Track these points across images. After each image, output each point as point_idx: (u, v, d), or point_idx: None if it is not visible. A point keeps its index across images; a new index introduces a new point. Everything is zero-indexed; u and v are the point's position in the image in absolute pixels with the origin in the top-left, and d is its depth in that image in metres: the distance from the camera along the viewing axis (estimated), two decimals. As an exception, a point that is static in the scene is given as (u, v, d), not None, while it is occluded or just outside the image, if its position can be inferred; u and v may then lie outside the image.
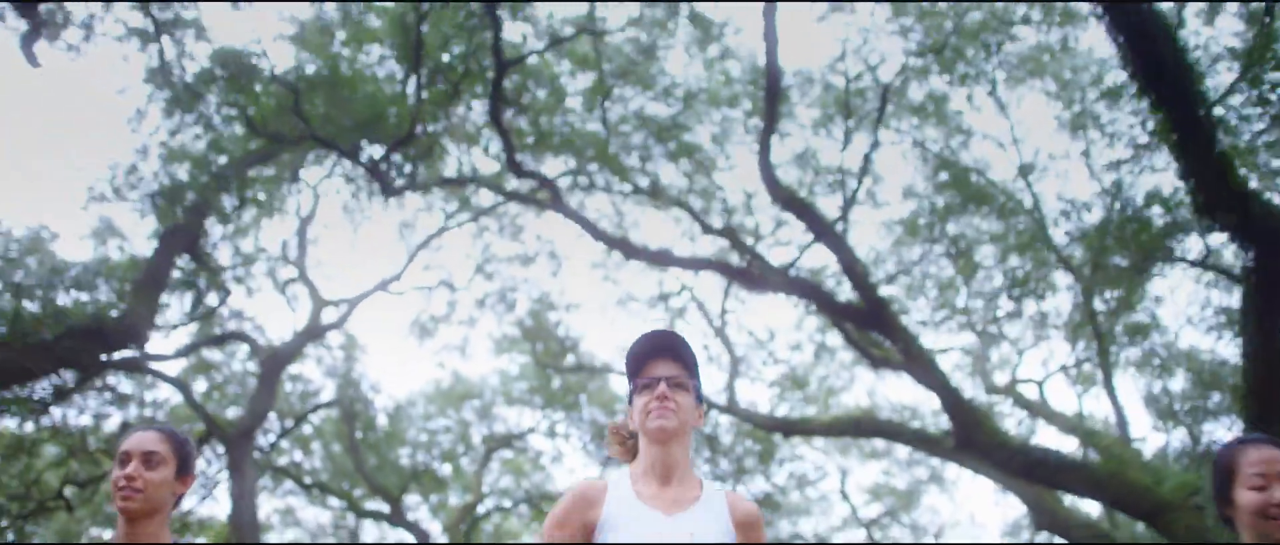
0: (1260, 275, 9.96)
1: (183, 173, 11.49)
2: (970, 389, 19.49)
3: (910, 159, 16.22)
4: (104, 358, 10.41)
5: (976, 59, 12.70)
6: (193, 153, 11.50)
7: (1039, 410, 19.97)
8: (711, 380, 19.56)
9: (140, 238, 11.70)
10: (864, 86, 14.15)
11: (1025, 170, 14.84)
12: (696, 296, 18.64)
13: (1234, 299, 12.49)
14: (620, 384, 22.30)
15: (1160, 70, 8.57)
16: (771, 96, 12.35)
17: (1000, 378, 21.28)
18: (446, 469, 22.37)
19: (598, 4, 11.05)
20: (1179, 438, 17.76)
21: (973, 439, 13.33)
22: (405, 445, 21.90)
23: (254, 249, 14.32)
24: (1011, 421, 20.24)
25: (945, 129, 14.36)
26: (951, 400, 13.26)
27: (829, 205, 14.00)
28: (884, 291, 15.65)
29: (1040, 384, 20.97)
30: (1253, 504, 2.75)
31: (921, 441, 16.05)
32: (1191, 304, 13.23)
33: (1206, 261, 11.97)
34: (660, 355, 2.74)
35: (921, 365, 13.51)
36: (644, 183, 13.79)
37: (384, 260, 38.28)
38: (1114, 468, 12.63)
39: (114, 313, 10.25)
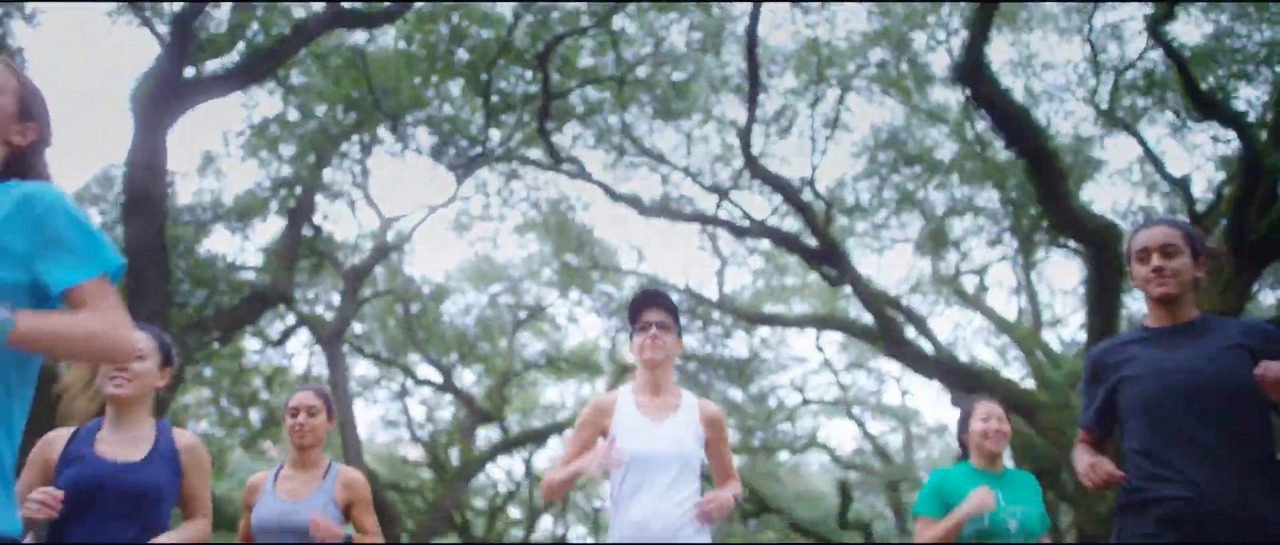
0: (1096, 259, 14.04)
1: (289, 150, 15.18)
2: (921, 273, 23.70)
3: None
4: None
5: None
6: (298, 134, 15.12)
7: (975, 303, 24.24)
8: (707, 267, 23.63)
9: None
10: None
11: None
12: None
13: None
14: (626, 260, 26.28)
15: (1022, 141, 12.23)
16: (753, 86, 15.84)
17: (950, 262, 25.05)
18: (483, 342, 26.72)
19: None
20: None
21: (900, 349, 17.61)
22: (447, 321, 26.21)
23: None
24: (951, 314, 24.23)
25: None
26: (883, 320, 17.44)
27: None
28: (849, 206, 19.60)
29: (980, 273, 25.20)
30: (1138, 275, 3.01)
31: (869, 339, 20.33)
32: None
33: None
34: (651, 306, 3.56)
35: (862, 290, 17.63)
36: (651, 147, 17.46)
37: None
38: (997, 379, 17.02)
39: (268, 279, 14.31)
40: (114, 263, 1.97)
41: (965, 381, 17.60)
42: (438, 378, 25.46)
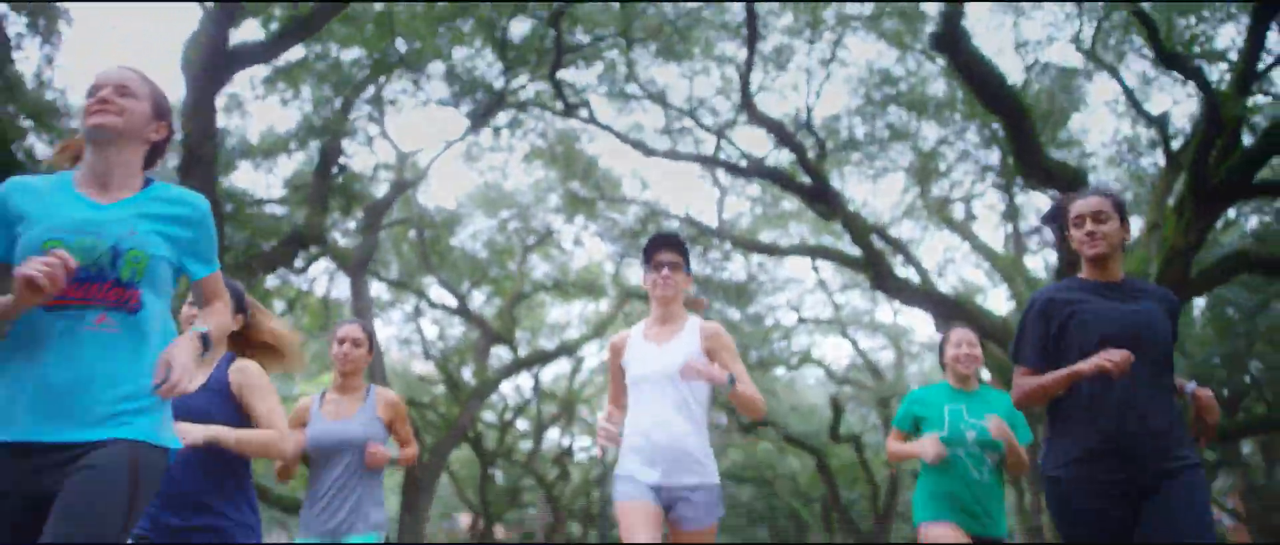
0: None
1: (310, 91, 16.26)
2: (912, 200, 24.89)
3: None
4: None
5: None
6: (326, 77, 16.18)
7: (961, 230, 25.52)
8: (707, 195, 24.82)
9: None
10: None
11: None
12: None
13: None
14: (630, 188, 27.43)
15: (997, 102, 13.34)
16: (752, 35, 16.84)
17: (944, 186, 26.14)
18: (493, 266, 28.07)
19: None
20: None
21: (887, 283, 18.96)
22: (459, 247, 27.51)
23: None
24: (941, 237, 25.36)
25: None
26: (871, 254, 18.75)
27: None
28: (842, 141, 20.71)
29: (968, 201, 26.40)
30: (1075, 238, 3.37)
31: (860, 268, 21.66)
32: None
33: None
34: (664, 248, 3.93)
35: (853, 226, 18.89)
36: (655, 87, 18.54)
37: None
38: (975, 309, 18.42)
39: (303, 220, 15.57)
40: (215, 263, 2.66)
41: (945, 311, 19.05)
42: (452, 302, 26.87)
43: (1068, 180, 14.84)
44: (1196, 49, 16.13)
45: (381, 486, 4.47)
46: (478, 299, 29.28)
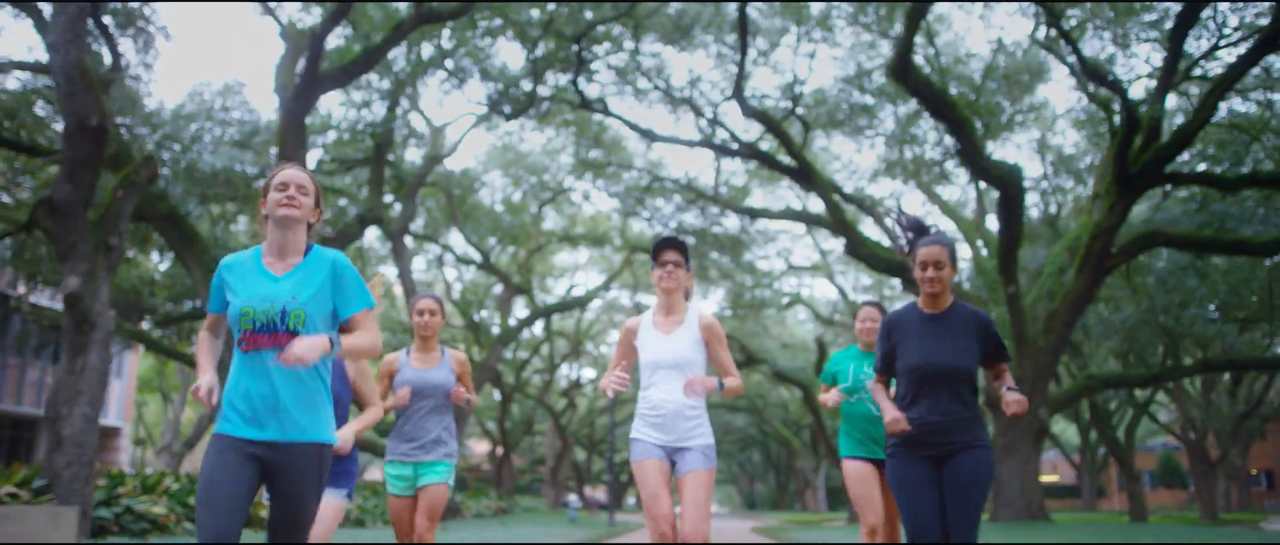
0: (1002, 197, 18.32)
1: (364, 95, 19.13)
2: (888, 161, 27.75)
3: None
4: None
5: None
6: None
7: (930, 193, 28.52)
8: (705, 156, 27.73)
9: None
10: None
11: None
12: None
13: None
14: (635, 145, 30.21)
15: (943, 115, 16.26)
16: (743, 41, 19.64)
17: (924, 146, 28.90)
18: (511, 218, 31.03)
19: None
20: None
21: (858, 250, 22.04)
22: (481, 203, 30.46)
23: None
24: (914, 197, 28.12)
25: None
26: (844, 227, 21.80)
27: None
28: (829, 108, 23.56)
29: (940, 165, 29.27)
30: (919, 277, 4.17)
31: (835, 231, 24.71)
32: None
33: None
34: (668, 249, 4.53)
35: (830, 203, 21.92)
36: (662, 86, 21.37)
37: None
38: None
39: (367, 205, 18.50)
40: (371, 301, 3.39)
41: (907, 275, 22.17)
42: (476, 256, 29.97)
43: (1003, 174, 17.88)
44: (1117, 62, 18.96)
45: (453, 424, 5.32)
46: (496, 253, 32.31)
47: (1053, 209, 31.29)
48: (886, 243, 23.75)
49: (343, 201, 19.59)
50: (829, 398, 5.49)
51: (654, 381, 4.46)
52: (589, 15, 18.11)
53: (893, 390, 4.47)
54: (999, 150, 28.60)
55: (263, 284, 3.21)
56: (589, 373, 49.82)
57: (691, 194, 27.04)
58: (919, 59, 21.71)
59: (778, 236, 36.05)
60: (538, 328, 37.11)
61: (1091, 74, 17.67)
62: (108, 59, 14.16)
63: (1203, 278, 20.91)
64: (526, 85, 18.86)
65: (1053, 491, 67.70)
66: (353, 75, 15.84)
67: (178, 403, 38.48)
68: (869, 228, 28.11)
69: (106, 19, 14.32)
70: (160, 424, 46.27)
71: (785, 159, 22.06)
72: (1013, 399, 4.09)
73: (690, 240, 30.77)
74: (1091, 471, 51.83)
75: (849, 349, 5.60)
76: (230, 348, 3.31)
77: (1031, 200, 32.15)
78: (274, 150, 16.10)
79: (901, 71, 15.30)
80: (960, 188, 30.61)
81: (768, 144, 22.76)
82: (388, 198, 24.41)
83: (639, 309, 40.47)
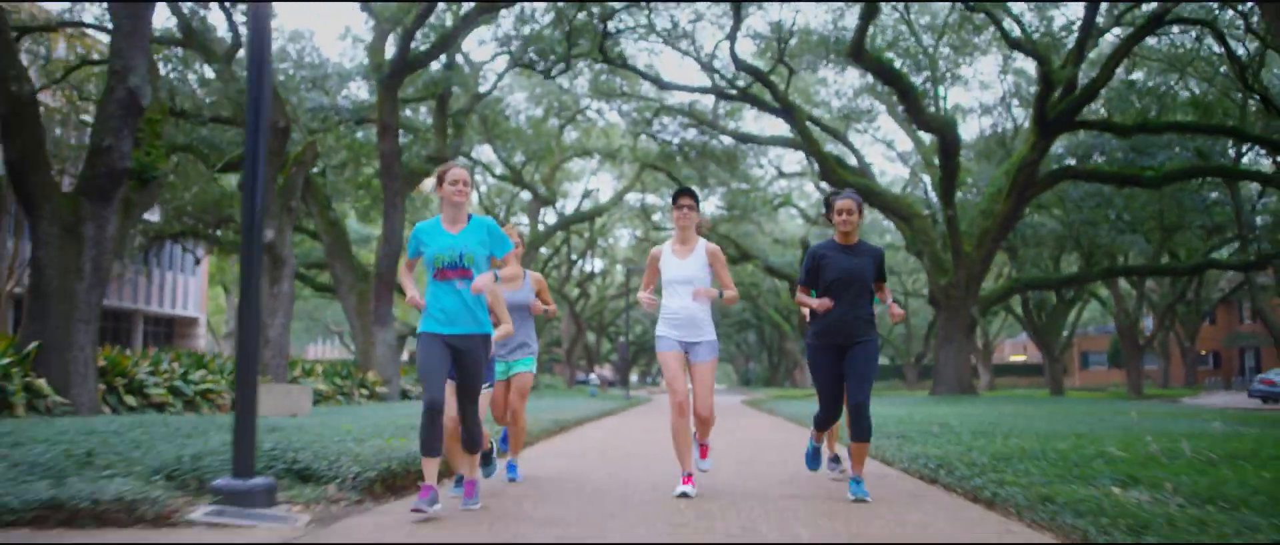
0: (941, 142, 23.11)
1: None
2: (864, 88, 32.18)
3: None
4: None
5: None
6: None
7: (898, 119, 33.02)
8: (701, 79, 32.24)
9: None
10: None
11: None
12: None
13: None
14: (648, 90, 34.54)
15: (892, 84, 20.82)
16: (736, 18, 23.99)
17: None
18: (535, 140, 35.59)
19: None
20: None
21: (832, 177, 26.83)
22: (514, 127, 34.92)
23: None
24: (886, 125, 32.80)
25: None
26: (820, 157, 26.52)
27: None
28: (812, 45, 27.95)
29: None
30: (835, 221, 5.68)
31: (810, 156, 29.40)
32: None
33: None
34: (684, 195, 5.98)
35: (808, 138, 26.59)
36: (671, 39, 25.79)
37: None
38: (891, 196, 26.43)
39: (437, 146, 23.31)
40: (510, 245, 4.98)
41: (872, 199, 27.03)
42: (506, 172, 34.72)
43: (941, 125, 22.55)
44: (1039, 32, 23.32)
45: (533, 328, 6.48)
46: (523, 167, 37.03)
47: (1008, 127, 35.76)
48: (852, 161, 28.57)
49: (408, 137, 24.32)
50: (813, 303, 6.04)
51: (674, 294, 5.89)
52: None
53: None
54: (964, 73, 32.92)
55: (445, 239, 4.91)
56: (599, 264, 55.33)
57: (693, 118, 31.62)
58: (889, 19, 26.09)
59: (768, 150, 40.59)
60: (560, 234, 42.11)
61: (1015, 45, 22.15)
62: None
63: (1108, 203, 25.81)
64: (560, 48, 23.35)
65: (1020, 370, 74.22)
66: (432, 57, 20.39)
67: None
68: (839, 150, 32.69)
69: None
70: (224, 313, 51.86)
71: (772, 100, 26.63)
72: (896, 310, 5.97)
73: (693, 154, 35.39)
74: (1054, 352, 57.69)
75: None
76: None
77: (987, 122, 36.72)
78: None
79: (856, 54, 19.85)
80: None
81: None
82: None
83: (648, 218, 45.42)
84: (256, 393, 4.88)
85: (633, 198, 44.79)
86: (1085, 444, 7.25)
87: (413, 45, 20.09)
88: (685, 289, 5.81)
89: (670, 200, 6.09)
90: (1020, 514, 4.50)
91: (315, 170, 21.50)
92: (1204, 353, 61.57)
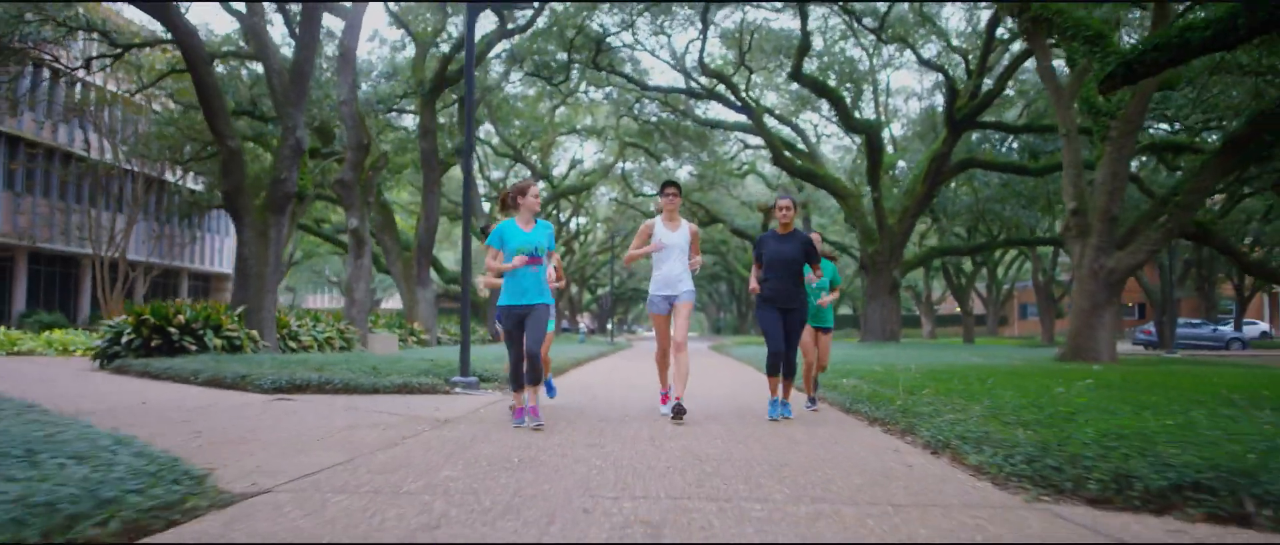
0: (866, 141, 28.93)
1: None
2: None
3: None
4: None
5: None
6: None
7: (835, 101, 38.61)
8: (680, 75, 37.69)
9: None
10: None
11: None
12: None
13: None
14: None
15: (827, 97, 26.47)
16: (704, 32, 29.41)
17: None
18: (533, 123, 40.88)
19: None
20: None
21: (783, 163, 32.55)
22: (515, 108, 40.14)
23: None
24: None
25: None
26: (774, 147, 32.17)
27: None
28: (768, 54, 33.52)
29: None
30: (777, 215, 7.36)
31: (775, 149, 35.07)
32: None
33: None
34: (670, 186, 7.95)
35: (764, 131, 32.20)
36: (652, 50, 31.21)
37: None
38: (833, 180, 32.26)
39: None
40: (553, 245, 7.23)
41: (815, 180, 32.79)
42: (508, 150, 40.15)
43: (866, 127, 28.26)
44: (961, 38, 28.91)
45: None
46: (521, 144, 42.44)
47: (939, 106, 41.44)
48: (801, 145, 34.31)
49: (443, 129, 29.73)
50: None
51: (664, 259, 7.89)
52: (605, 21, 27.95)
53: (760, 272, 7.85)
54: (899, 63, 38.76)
55: (521, 235, 6.82)
56: (581, 219, 61.12)
57: (668, 105, 37.17)
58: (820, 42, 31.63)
59: (734, 130, 46.14)
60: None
61: (924, 63, 27.80)
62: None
63: (1006, 186, 31.80)
64: (561, 63, 28.73)
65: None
66: (460, 77, 25.79)
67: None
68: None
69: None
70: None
71: (734, 99, 32.22)
72: (811, 278, 7.89)
73: (668, 132, 40.82)
74: (995, 305, 63.95)
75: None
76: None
77: (927, 103, 42.37)
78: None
79: (796, 75, 25.46)
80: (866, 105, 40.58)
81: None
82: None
83: (628, 183, 51.01)
84: (469, 335, 10.55)
85: (619, 168, 50.36)
86: (894, 370, 12.93)
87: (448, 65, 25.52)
88: (673, 254, 7.88)
89: (660, 189, 8.22)
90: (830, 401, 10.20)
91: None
92: (1130, 304, 68.61)
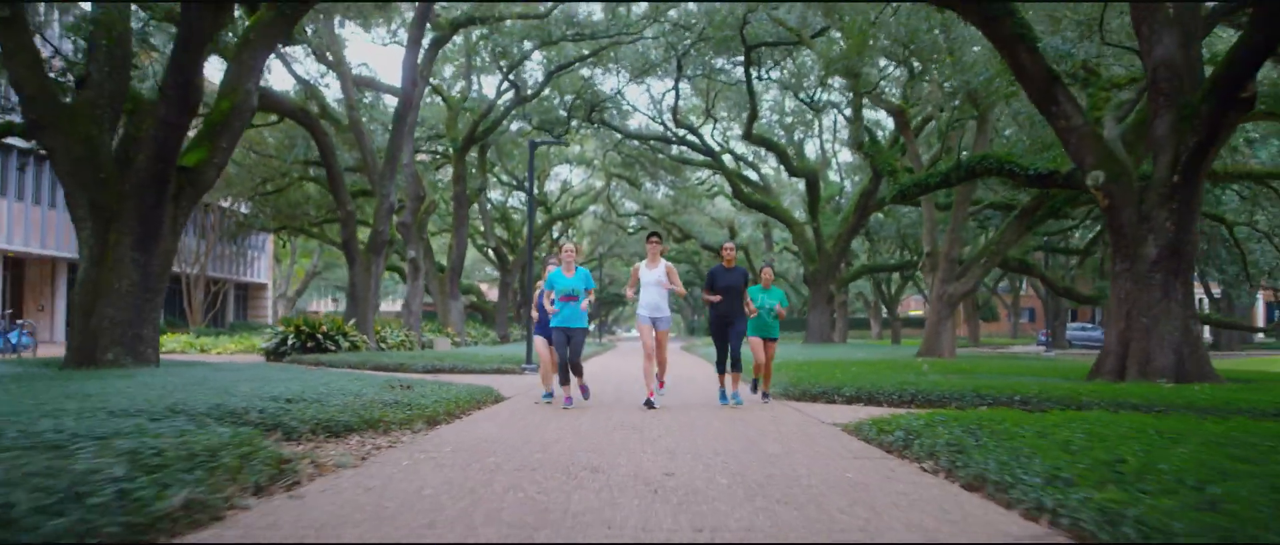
0: (807, 182, 36.41)
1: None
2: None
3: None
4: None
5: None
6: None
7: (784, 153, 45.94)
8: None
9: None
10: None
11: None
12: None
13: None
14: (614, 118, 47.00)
15: (775, 152, 33.78)
16: (677, 76, 36.56)
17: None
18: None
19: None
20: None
21: (743, 198, 39.83)
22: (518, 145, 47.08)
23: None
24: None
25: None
26: (734, 182, 39.37)
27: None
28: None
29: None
30: (724, 256, 11.10)
31: (735, 185, 42.22)
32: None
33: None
34: (653, 235, 10.89)
35: (726, 171, 39.41)
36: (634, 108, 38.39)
37: None
38: (783, 212, 39.60)
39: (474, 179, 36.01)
40: (593, 284, 11.00)
41: (767, 210, 40.02)
42: (511, 180, 47.26)
43: (809, 172, 35.55)
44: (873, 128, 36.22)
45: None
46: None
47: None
48: (756, 176, 41.61)
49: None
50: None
51: (646, 292, 10.67)
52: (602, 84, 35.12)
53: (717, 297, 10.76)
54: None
55: (565, 280, 10.35)
56: (571, 233, 68.33)
57: (648, 142, 44.39)
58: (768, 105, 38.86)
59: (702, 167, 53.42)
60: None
61: (857, 146, 35.13)
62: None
63: (918, 223, 39.23)
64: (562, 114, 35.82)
65: (915, 322, 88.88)
66: (489, 133, 32.81)
67: (289, 268, 55.88)
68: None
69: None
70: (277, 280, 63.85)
71: (701, 146, 39.43)
72: (750, 308, 11.04)
73: (647, 163, 47.89)
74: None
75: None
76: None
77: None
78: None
79: (747, 135, 32.69)
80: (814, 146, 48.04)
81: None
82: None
83: (610, 203, 58.11)
84: (533, 339, 17.63)
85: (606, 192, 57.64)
86: (821, 364, 19.92)
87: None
88: (654, 288, 10.53)
89: (645, 238, 10.92)
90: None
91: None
92: (1025, 308, 77.46)
